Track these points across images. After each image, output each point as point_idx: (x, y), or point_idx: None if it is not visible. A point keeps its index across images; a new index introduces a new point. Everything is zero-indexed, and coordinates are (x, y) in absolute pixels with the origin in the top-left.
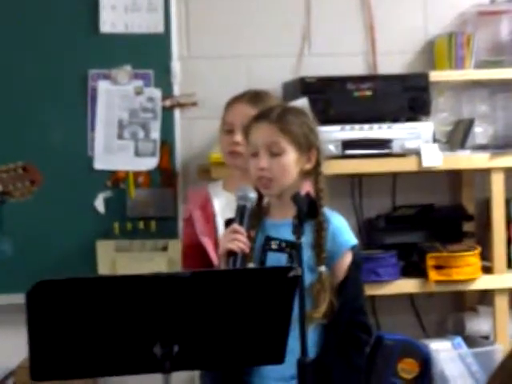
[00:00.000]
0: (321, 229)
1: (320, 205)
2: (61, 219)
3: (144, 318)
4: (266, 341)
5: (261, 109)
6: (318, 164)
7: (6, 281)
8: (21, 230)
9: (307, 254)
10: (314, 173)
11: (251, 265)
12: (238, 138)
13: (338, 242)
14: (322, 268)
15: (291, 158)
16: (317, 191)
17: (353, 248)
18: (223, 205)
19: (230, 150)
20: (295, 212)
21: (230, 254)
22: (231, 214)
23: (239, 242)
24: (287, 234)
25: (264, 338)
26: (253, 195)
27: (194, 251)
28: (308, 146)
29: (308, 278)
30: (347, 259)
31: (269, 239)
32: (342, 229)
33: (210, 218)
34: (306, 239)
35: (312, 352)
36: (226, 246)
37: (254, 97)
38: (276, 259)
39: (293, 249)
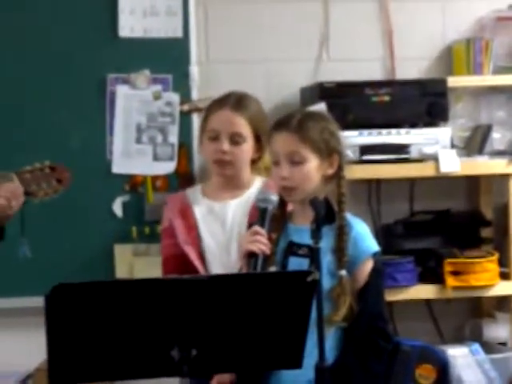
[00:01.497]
0: (342, 233)
1: (341, 209)
2: (79, 223)
3: (162, 321)
4: (283, 345)
5: (245, 114)
6: (340, 169)
7: (24, 283)
8: (39, 233)
9: (328, 259)
10: (336, 177)
11: (273, 268)
12: (225, 146)
13: (360, 248)
14: (343, 272)
15: (313, 166)
16: (339, 196)
17: (374, 255)
18: (204, 212)
19: (216, 158)
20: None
21: (251, 255)
22: (214, 222)
23: (260, 243)
24: (310, 239)
25: (282, 342)
26: (274, 198)
27: (176, 262)
28: (329, 151)
29: (328, 283)
30: (368, 266)
31: (291, 244)
32: (365, 235)
33: (191, 226)
34: (328, 244)
35: (331, 356)
36: (247, 247)
37: (237, 102)
38: (298, 264)
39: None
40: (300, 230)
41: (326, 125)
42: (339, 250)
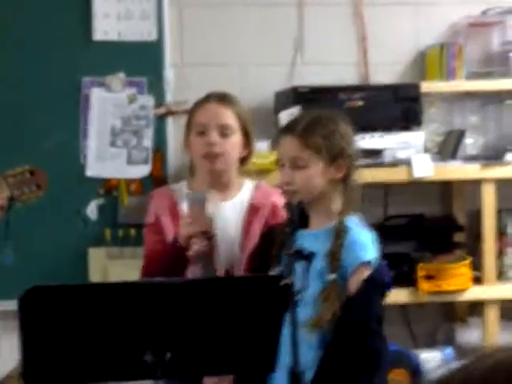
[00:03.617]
0: (337, 237)
1: (342, 213)
2: (53, 226)
3: (135, 324)
4: (257, 349)
5: (232, 108)
6: (348, 172)
7: None
8: (14, 237)
9: (321, 263)
10: (343, 181)
11: (275, 270)
12: (215, 137)
13: (351, 256)
14: (332, 276)
15: (317, 170)
16: (344, 200)
17: (369, 264)
18: None
19: (205, 151)
20: (286, 221)
21: (191, 238)
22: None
23: (196, 243)
24: (317, 244)
25: (255, 346)
26: (201, 196)
27: (161, 260)
28: (336, 155)
29: (319, 287)
30: (360, 275)
31: (296, 250)
32: (359, 243)
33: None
34: (324, 248)
35: (312, 360)
36: (195, 249)
37: (222, 97)
38: (300, 268)
39: (305, 258)
40: (311, 235)
41: (335, 128)
42: (331, 253)
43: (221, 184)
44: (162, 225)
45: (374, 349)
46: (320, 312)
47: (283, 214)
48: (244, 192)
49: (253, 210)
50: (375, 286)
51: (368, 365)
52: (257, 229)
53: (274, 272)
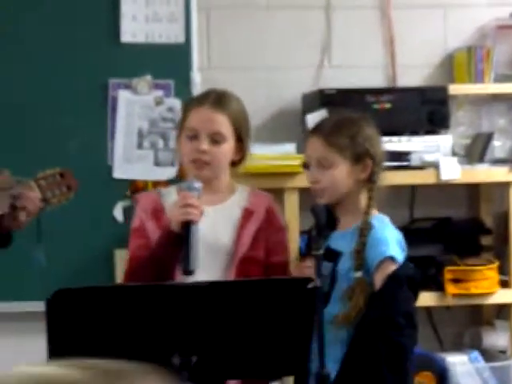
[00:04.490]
0: (361, 235)
1: (366, 212)
2: (80, 228)
3: (162, 327)
4: (286, 352)
5: (226, 113)
6: (372, 173)
7: (24, 288)
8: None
9: (348, 262)
10: (368, 181)
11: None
12: (204, 145)
13: (375, 252)
14: (358, 274)
15: (342, 170)
16: (368, 200)
17: (392, 259)
18: None
19: (193, 158)
20: (317, 223)
21: (185, 225)
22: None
23: (193, 214)
24: (343, 243)
25: (284, 349)
26: (198, 185)
27: (144, 265)
28: (361, 156)
29: (345, 286)
30: (385, 270)
31: (326, 249)
32: (382, 239)
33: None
34: (350, 247)
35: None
36: (181, 217)
37: (217, 100)
38: (326, 268)
39: (333, 258)
40: (339, 235)
41: (360, 130)
42: (355, 251)
43: (210, 188)
44: (146, 229)
45: (398, 343)
46: (346, 309)
47: (278, 219)
48: (237, 196)
49: (247, 214)
50: (400, 280)
51: (391, 359)
52: (249, 233)
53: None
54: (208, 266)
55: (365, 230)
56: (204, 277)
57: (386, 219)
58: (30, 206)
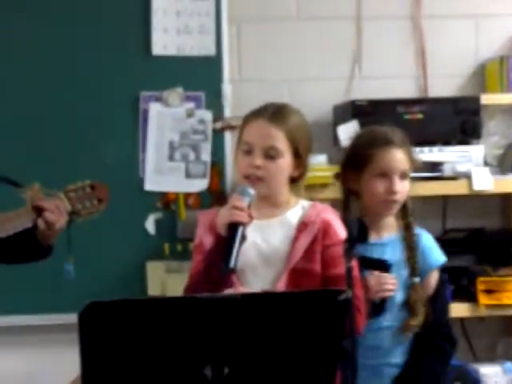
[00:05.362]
0: (411, 243)
1: (410, 222)
2: (111, 240)
3: (194, 339)
4: (316, 364)
5: (283, 127)
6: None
7: (57, 300)
8: (74, 251)
9: (403, 271)
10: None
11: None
12: (258, 161)
13: (428, 261)
14: (417, 279)
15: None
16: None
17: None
18: None
19: (247, 173)
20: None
21: (232, 227)
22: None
23: (240, 215)
24: (387, 253)
25: (315, 361)
26: (251, 191)
27: (203, 279)
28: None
29: (401, 294)
30: (435, 276)
31: (363, 259)
32: (432, 247)
33: None
34: (398, 256)
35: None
36: (229, 218)
37: (274, 113)
38: None
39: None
40: (375, 245)
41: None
42: (411, 259)
43: (268, 203)
44: (204, 245)
45: (455, 340)
46: (413, 314)
47: (336, 231)
48: (296, 210)
49: (302, 226)
50: (445, 284)
51: (450, 354)
52: (302, 245)
53: None
54: (264, 278)
55: (413, 237)
56: (259, 287)
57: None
58: (55, 218)
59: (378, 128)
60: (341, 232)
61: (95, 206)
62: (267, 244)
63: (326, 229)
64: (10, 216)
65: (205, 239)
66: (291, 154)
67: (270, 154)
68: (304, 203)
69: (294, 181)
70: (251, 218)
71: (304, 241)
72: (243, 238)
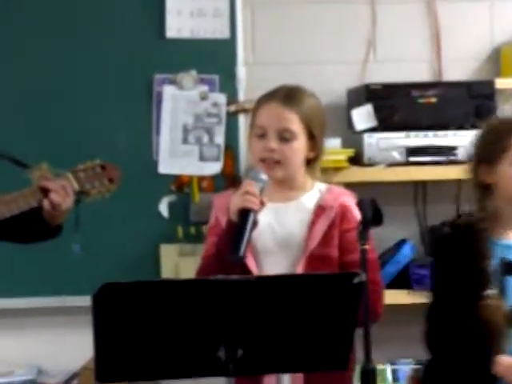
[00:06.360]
0: None
1: None
2: (125, 222)
3: (208, 321)
4: (330, 347)
5: (296, 109)
6: None
7: (71, 283)
8: (85, 232)
9: None
10: None
11: (490, 291)
12: (273, 144)
13: None
14: None
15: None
16: None
17: None
18: None
19: (262, 156)
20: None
21: (243, 212)
22: (268, 221)
23: (251, 201)
24: None
25: (328, 343)
26: (264, 177)
27: (212, 260)
28: None
29: None
30: None
31: (506, 262)
32: None
33: None
34: None
35: None
36: (241, 204)
37: (287, 95)
38: None
39: None
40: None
41: None
42: None
43: (284, 186)
44: (221, 226)
45: None
46: None
47: (354, 216)
48: (313, 193)
49: (319, 210)
50: None
51: None
52: (320, 229)
53: (489, 292)
54: (279, 261)
55: None
56: (274, 271)
57: None
58: (61, 199)
59: (503, 117)
60: (359, 216)
61: (105, 186)
62: (283, 227)
63: (343, 213)
64: (15, 196)
65: (222, 221)
66: (305, 136)
67: (285, 137)
68: (321, 186)
69: (309, 163)
70: (263, 204)
71: (321, 225)
72: (254, 224)
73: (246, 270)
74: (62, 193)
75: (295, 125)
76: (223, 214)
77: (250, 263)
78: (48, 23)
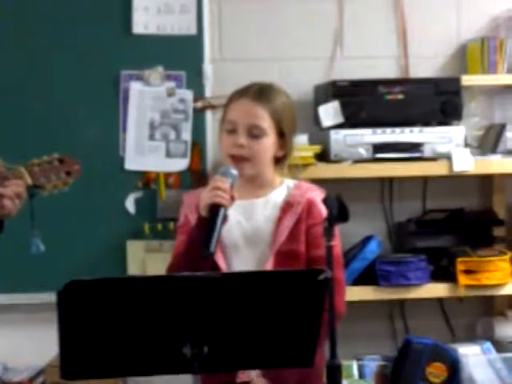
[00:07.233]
0: None
1: None
2: (92, 219)
3: (174, 318)
4: (295, 343)
5: (267, 106)
6: None
7: (36, 279)
8: (51, 229)
9: None
10: None
11: None
12: (242, 139)
13: None
14: None
15: None
16: None
17: None
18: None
19: (231, 152)
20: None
21: (213, 208)
22: (236, 218)
23: (221, 196)
24: None
25: (294, 340)
26: (234, 172)
27: (186, 258)
28: None
29: None
30: None
31: None
32: None
33: None
34: None
35: None
36: (210, 200)
37: (259, 92)
38: None
39: None
40: None
41: None
42: None
43: (253, 183)
44: (190, 224)
45: None
46: None
47: (320, 211)
48: (281, 190)
49: (286, 206)
50: None
51: None
52: (287, 225)
53: None
54: (248, 258)
55: None
56: (243, 268)
57: None
58: (13, 206)
59: None
60: (325, 211)
61: (62, 180)
62: (251, 224)
63: (309, 208)
64: None
65: (192, 218)
66: (275, 134)
67: (254, 133)
68: (289, 183)
69: (278, 161)
70: (233, 199)
71: (289, 221)
72: (224, 219)
73: (215, 266)
74: (16, 202)
75: (265, 122)
76: (193, 212)
77: (219, 260)
78: (12, 18)
